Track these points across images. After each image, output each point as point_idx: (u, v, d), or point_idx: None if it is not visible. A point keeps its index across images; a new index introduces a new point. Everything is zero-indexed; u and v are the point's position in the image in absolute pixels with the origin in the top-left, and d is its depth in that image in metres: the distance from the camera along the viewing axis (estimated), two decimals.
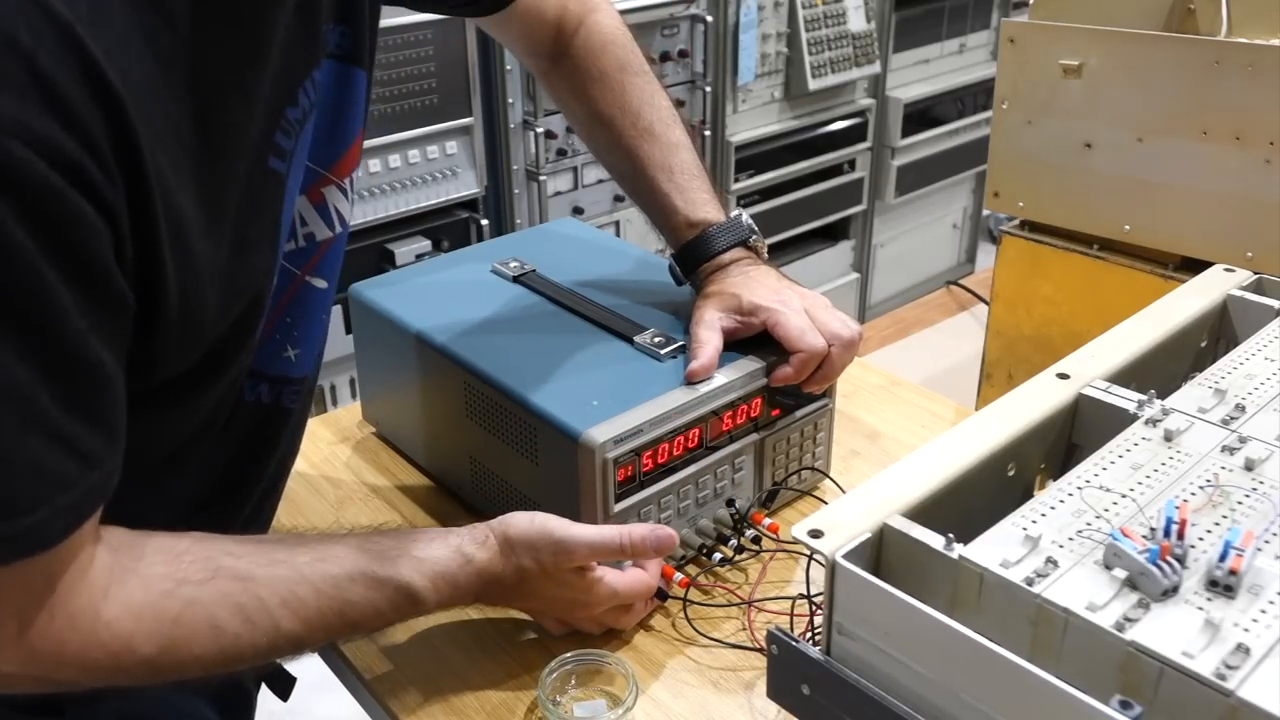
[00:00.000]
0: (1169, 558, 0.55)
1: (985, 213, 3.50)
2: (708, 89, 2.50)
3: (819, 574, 0.66)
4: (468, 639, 0.87)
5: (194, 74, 0.62)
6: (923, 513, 0.63)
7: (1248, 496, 0.62)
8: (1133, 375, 0.76)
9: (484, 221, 2.19)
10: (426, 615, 0.78)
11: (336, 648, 0.86)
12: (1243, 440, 0.66)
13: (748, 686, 0.82)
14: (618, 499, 0.84)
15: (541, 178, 2.27)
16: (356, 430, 1.15)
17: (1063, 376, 0.75)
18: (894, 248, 3.25)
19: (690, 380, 0.88)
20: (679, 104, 2.46)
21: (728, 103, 2.57)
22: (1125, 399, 0.72)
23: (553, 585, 0.80)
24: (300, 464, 1.07)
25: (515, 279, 1.06)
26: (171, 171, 0.60)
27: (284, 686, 0.96)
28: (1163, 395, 0.72)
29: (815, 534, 0.61)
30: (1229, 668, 0.50)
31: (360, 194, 2.00)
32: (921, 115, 3.03)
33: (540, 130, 2.23)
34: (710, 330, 0.90)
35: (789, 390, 0.93)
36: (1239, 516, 0.60)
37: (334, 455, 1.11)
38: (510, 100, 2.18)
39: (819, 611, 0.77)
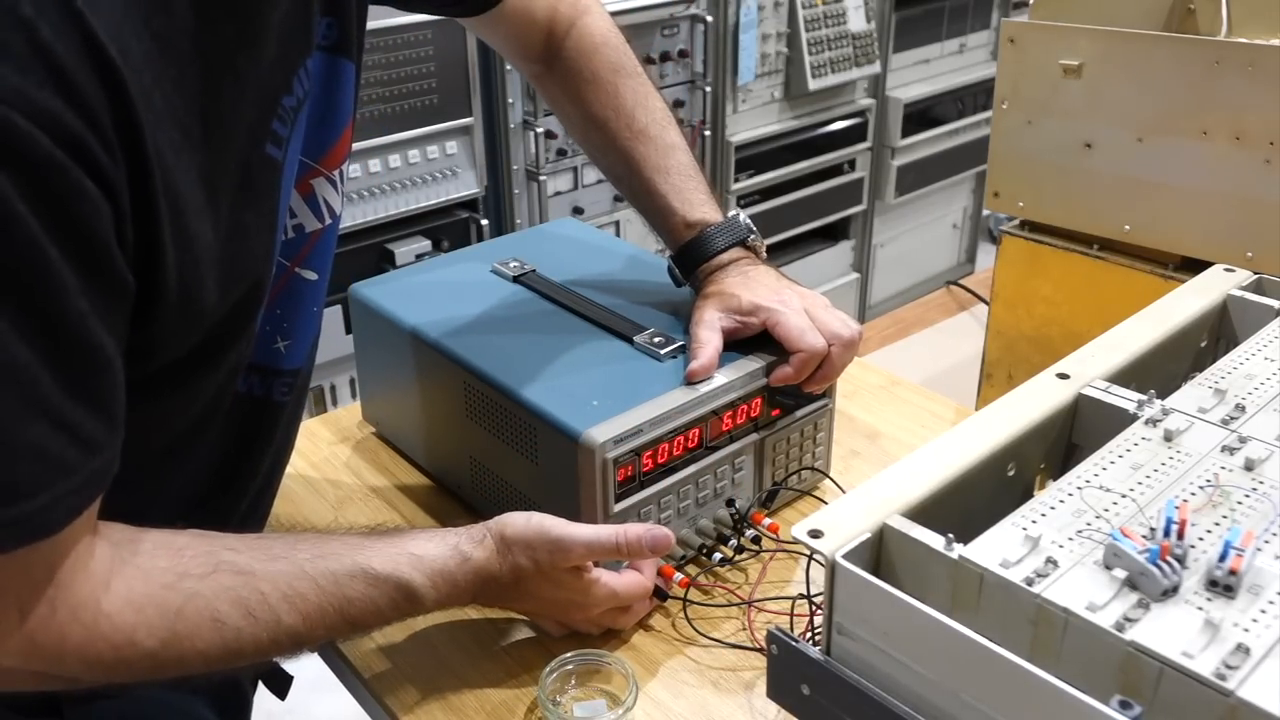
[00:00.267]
0: (1169, 558, 0.55)
1: (985, 213, 3.50)
2: (708, 89, 2.50)
3: (819, 574, 0.66)
4: (468, 639, 0.87)
5: (190, 56, 0.62)
6: (923, 513, 0.62)
7: (1248, 496, 0.62)
8: (1133, 375, 0.76)
9: (484, 221, 2.19)
10: (425, 614, 0.78)
11: (335, 647, 0.87)
12: (1243, 440, 0.66)
13: (748, 686, 0.82)
14: (618, 499, 0.84)
15: (541, 178, 2.27)
16: (356, 430, 1.15)
17: (1063, 376, 0.75)
18: (894, 248, 3.25)
19: (690, 380, 0.88)
20: (678, 104, 2.46)
21: (728, 103, 2.57)
22: (1125, 399, 0.72)
23: (549, 586, 0.80)
24: (300, 464, 1.08)
25: (515, 279, 1.06)
26: (170, 151, 0.60)
27: (281, 685, 0.96)
28: (1163, 395, 0.72)
29: (815, 534, 0.61)
30: (1229, 668, 0.50)
31: (360, 194, 2.00)
32: (921, 115, 3.03)
33: (540, 130, 2.23)
34: (710, 330, 0.90)
35: (789, 390, 0.93)
36: (1239, 516, 0.60)
37: (334, 455, 1.11)
38: (510, 100, 2.18)
39: (819, 611, 0.77)
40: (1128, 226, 1.70)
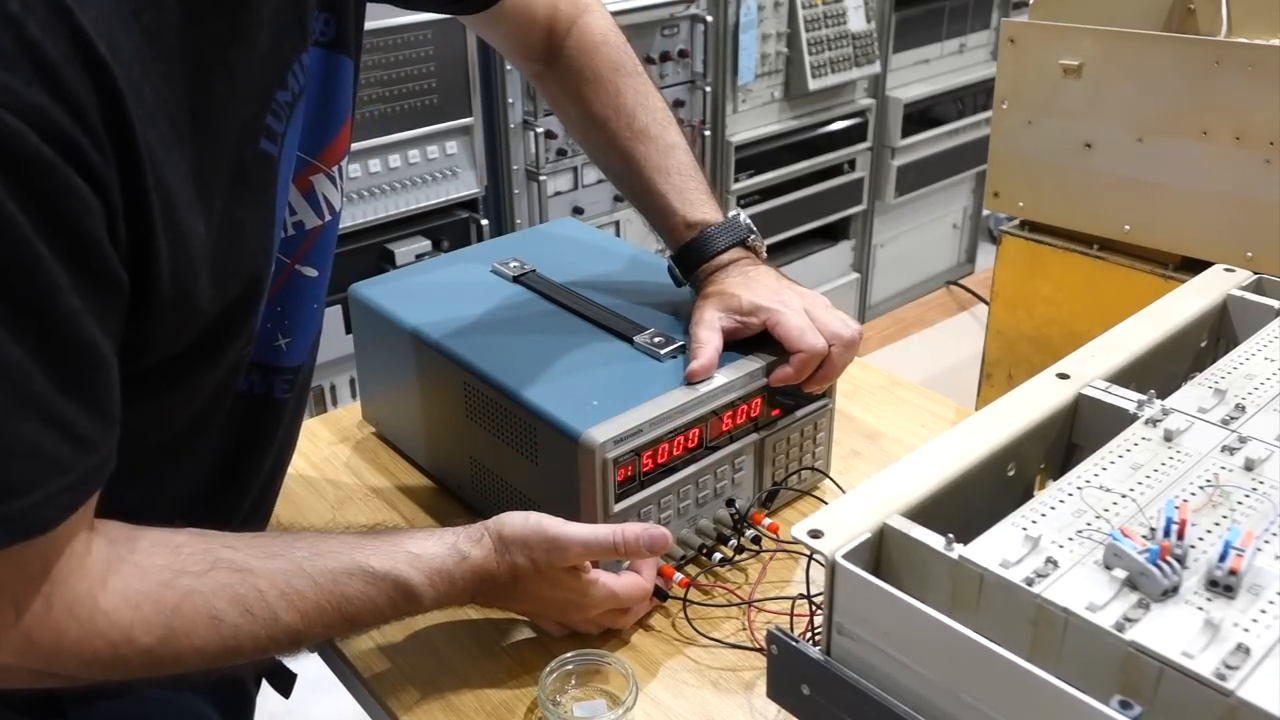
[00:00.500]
0: (1169, 558, 0.55)
1: (985, 213, 3.50)
2: (708, 89, 2.50)
3: (819, 574, 0.65)
4: (468, 639, 0.87)
5: (180, 51, 0.61)
6: (923, 513, 0.62)
7: (1248, 496, 0.62)
8: (1133, 375, 0.76)
9: (484, 221, 2.19)
10: (424, 613, 0.78)
11: (335, 647, 0.87)
12: (1243, 440, 0.66)
13: (748, 686, 0.82)
14: (618, 499, 0.84)
15: (541, 178, 2.27)
16: (356, 430, 1.15)
17: (1063, 376, 0.75)
18: (894, 248, 3.25)
19: (690, 380, 0.88)
20: (678, 104, 2.46)
21: (728, 103, 2.57)
22: (1125, 399, 0.72)
23: (547, 586, 0.80)
24: (300, 464, 1.08)
25: (515, 279, 1.06)
26: (161, 147, 0.60)
27: (285, 683, 0.95)
28: (1163, 395, 0.72)
29: (815, 534, 0.61)
30: (1229, 668, 0.50)
31: (360, 194, 2.00)
32: (921, 115, 3.03)
33: (540, 130, 2.23)
34: (710, 330, 0.90)
35: (789, 390, 0.93)
36: (1239, 516, 0.60)
37: (334, 455, 1.11)
38: (510, 100, 2.18)
39: (819, 611, 0.77)
40: (1128, 226, 1.70)
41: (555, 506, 0.82)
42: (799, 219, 2.88)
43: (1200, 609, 0.54)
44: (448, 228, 2.16)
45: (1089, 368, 0.76)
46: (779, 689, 0.66)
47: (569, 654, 0.81)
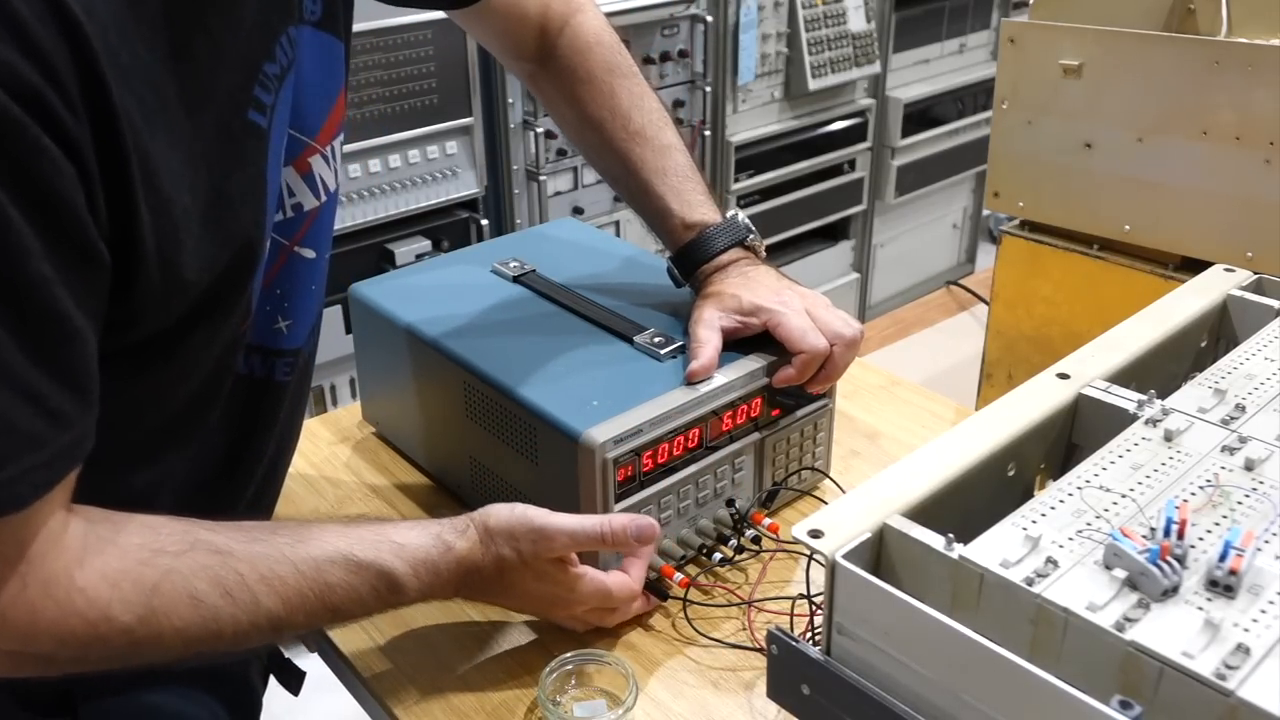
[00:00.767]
0: (1169, 558, 0.55)
1: (985, 213, 3.51)
2: (708, 89, 2.50)
3: (819, 574, 0.65)
4: (468, 639, 0.87)
5: (160, 15, 0.61)
6: (923, 513, 0.62)
7: (1248, 496, 0.62)
8: (1133, 375, 0.76)
9: (484, 221, 2.19)
10: (409, 605, 0.76)
11: (335, 647, 0.87)
12: (1243, 440, 0.66)
13: (748, 686, 0.82)
14: (618, 499, 0.84)
15: (541, 178, 2.27)
16: (356, 430, 1.15)
17: (1063, 376, 0.75)
18: (894, 248, 3.25)
19: (690, 380, 0.88)
20: (678, 104, 2.46)
21: (728, 103, 2.57)
22: (1125, 399, 0.72)
23: (533, 578, 0.79)
24: (300, 464, 1.08)
25: (515, 279, 1.06)
26: (140, 111, 0.59)
27: (294, 681, 0.95)
28: (1163, 395, 0.72)
29: (815, 534, 0.61)
30: (1229, 668, 0.50)
31: (360, 194, 2.00)
32: (921, 115, 3.03)
33: (540, 130, 2.23)
34: (710, 330, 0.90)
35: (790, 390, 0.93)
36: (1239, 516, 0.60)
37: (334, 455, 1.11)
38: (510, 100, 2.18)
39: (819, 611, 0.77)
40: (1128, 226, 1.70)
41: (555, 506, 0.82)
42: (799, 219, 2.88)
43: (1200, 609, 0.54)
44: (448, 228, 2.16)
45: (1089, 368, 0.76)
46: (779, 689, 0.66)
47: (569, 654, 0.81)
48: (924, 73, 3.05)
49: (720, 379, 0.89)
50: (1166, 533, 0.57)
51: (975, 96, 3.16)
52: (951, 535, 0.59)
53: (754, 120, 2.66)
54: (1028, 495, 0.71)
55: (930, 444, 0.68)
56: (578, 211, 2.37)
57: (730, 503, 0.93)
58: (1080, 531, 0.59)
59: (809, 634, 0.74)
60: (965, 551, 0.58)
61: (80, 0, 0.54)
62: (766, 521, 0.93)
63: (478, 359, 0.92)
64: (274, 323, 0.82)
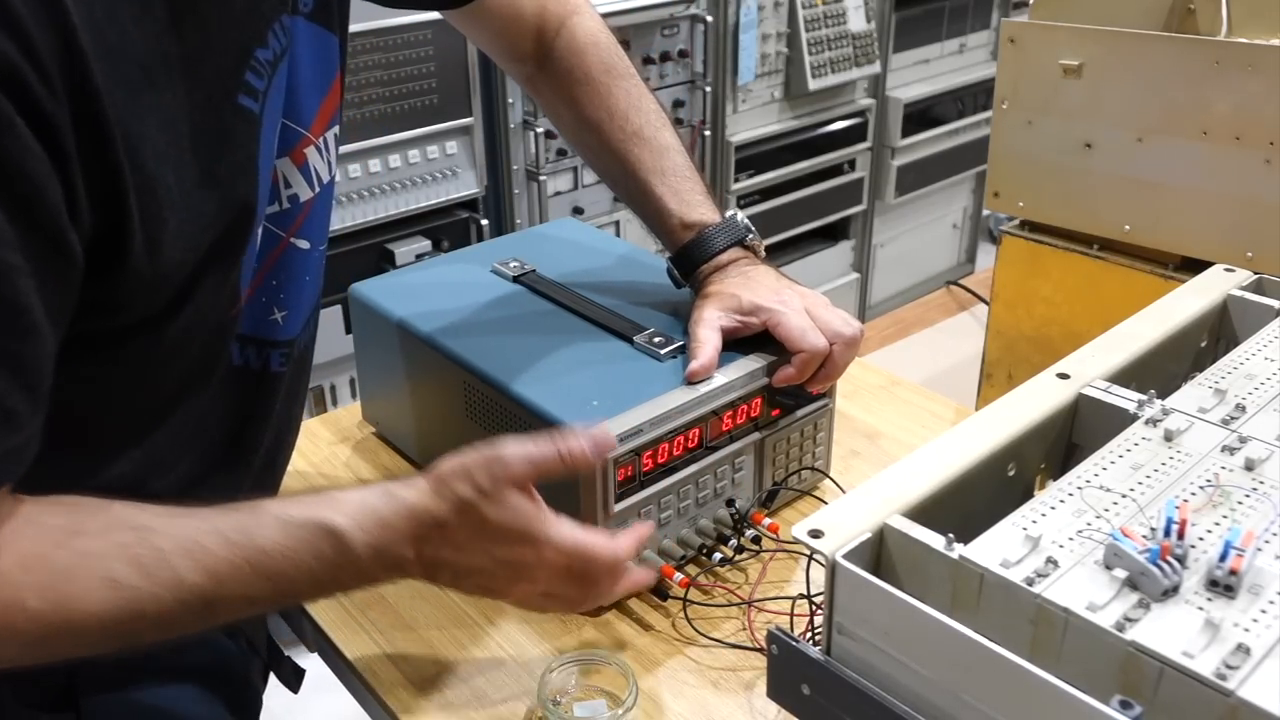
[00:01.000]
0: (1169, 558, 0.55)
1: (985, 213, 3.50)
2: (708, 89, 2.50)
3: (819, 574, 0.65)
4: (468, 639, 0.87)
5: None
6: (923, 513, 0.63)
7: (1248, 496, 0.62)
8: (1133, 375, 0.76)
9: (484, 221, 2.19)
10: (366, 570, 0.68)
11: (334, 646, 0.87)
12: (1243, 440, 0.66)
13: (748, 686, 0.82)
14: (618, 499, 0.84)
15: (541, 178, 2.27)
16: (356, 430, 1.15)
17: (1063, 376, 0.75)
18: (894, 248, 3.25)
19: (690, 380, 0.88)
20: (678, 104, 2.46)
21: (728, 103, 2.57)
22: (1125, 399, 0.72)
23: (498, 514, 0.71)
24: (300, 464, 1.08)
25: (515, 279, 1.06)
26: (125, 89, 0.58)
27: (293, 679, 0.95)
28: (1163, 395, 0.72)
29: (815, 534, 0.61)
30: (1229, 668, 0.50)
31: (360, 194, 2.00)
32: (921, 115, 3.03)
33: (540, 130, 2.23)
34: (710, 330, 0.90)
35: (790, 390, 0.93)
36: (1239, 516, 0.60)
37: (334, 455, 1.11)
38: (510, 100, 2.18)
39: (819, 611, 0.77)
40: (1128, 226, 1.70)
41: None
42: (799, 219, 2.88)
43: (1200, 609, 0.54)
44: (448, 228, 2.16)
45: (1089, 368, 0.76)
46: (779, 689, 0.66)
47: (569, 654, 0.81)
48: (924, 73, 3.05)
49: (720, 379, 0.89)
50: (1167, 533, 0.57)
51: (975, 96, 3.16)
52: (951, 535, 0.59)
53: (754, 120, 2.66)
54: (1028, 495, 0.71)
55: (930, 444, 0.68)
56: (578, 211, 2.37)
57: (730, 503, 0.93)
58: (1080, 531, 0.59)
59: (809, 634, 0.74)
60: (965, 551, 0.58)
61: None
62: (766, 521, 0.93)
63: (477, 359, 0.92)
64: (269, 314, 0.82)
